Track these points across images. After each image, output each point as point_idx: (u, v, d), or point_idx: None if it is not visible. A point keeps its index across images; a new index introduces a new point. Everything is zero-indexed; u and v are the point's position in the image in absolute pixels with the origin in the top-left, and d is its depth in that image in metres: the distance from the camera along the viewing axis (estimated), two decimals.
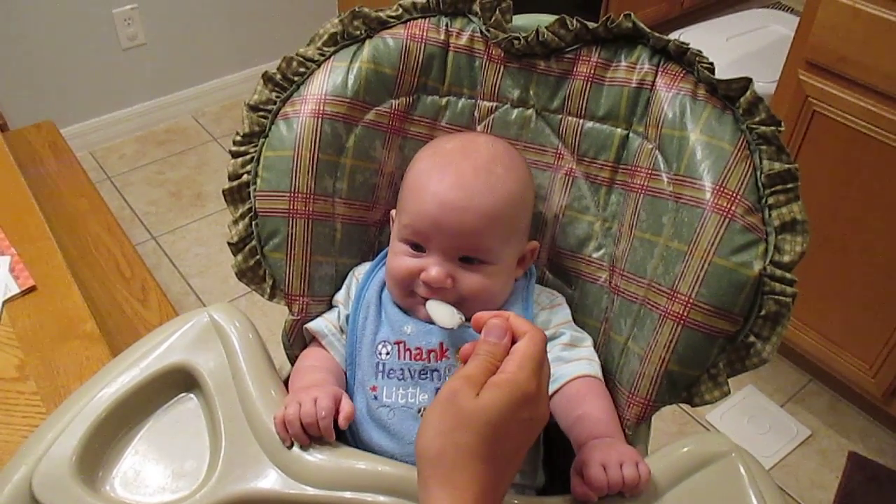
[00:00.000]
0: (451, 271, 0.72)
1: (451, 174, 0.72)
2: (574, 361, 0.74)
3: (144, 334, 0.73)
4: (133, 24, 2.37)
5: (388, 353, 0.73)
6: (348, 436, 0.73)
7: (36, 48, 2.24)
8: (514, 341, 0.58)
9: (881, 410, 1.61)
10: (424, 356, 0.72)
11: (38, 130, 1.72)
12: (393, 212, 0.80)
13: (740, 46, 2.00)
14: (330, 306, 0.81)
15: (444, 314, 0.70)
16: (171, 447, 0.68)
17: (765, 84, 1.70)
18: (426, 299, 0.72)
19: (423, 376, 0.71)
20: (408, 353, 0.73)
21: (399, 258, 0.74)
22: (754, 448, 1.64)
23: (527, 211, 0.78)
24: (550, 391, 0.70)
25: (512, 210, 0.73)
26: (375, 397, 0.72)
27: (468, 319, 0.64)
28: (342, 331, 0.78)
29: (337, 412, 0.66)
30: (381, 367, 0.73)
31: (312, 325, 0.78)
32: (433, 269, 0.71)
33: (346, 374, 0.76)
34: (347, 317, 0.78)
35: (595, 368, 0.74)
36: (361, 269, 0.81)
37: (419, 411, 0.70)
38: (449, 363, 0.71)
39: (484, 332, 0.58)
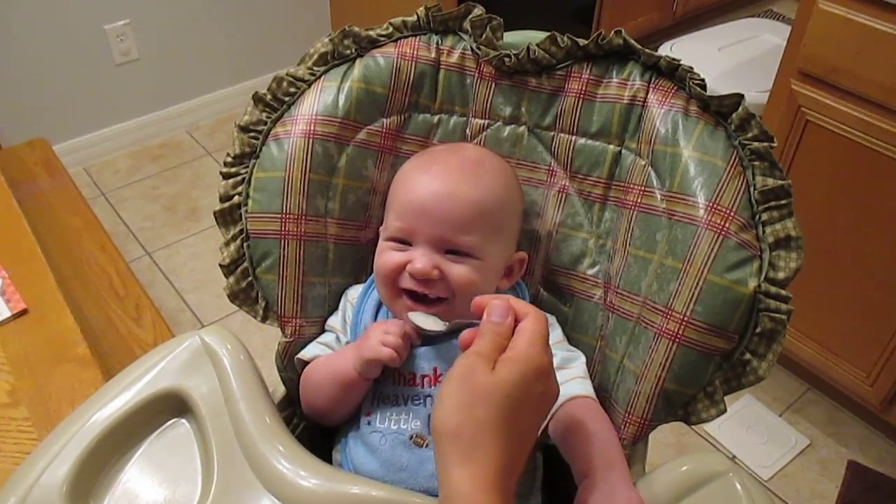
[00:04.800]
0: (438, 263, 0.71)
1: (437, 168, 0.73)
2: (565, 384, 0.71)
3: (139, 353, 0.73)
4: (126, 39, 2.37)
5: (383, 379, 0.72)
6: (339, 458, 0.72)
7: (29, 65, 2.23)
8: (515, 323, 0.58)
9: (880, 419, 1.60)
10: (417, 381, 0.71)
11: (32, 148, 1.70)
12: (381, 228, 0.80)
13: (732, 56, 2.01)
14: (323, 329, 0.80)
15: (427, 320, 0.70)
16: (164, 473, 0.67)
17: (757, 94, 1.70)
18: (409, 311, 0.71)
19: (415, 402, 0.71)
20: (402, 378, 0.72)
21: (386, 254, 0.74)
22: (753, 458, 1.65)
23: (513, 215, 0.77)
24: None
25: (498, 206, 0.73)
26: (369, 422, 0.71)
27: (452, 327, 0.64)
28: None
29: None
30: (376, 393, 0.72)
31: (308, 354, 0.77)
32: (419, 260, 0.71)
33: None
34: (347, 343, 0.77)
35: (587, 387, 0.73)
36: (354, 293, 0.80)
37: (410, 438, 0.69)
38: None
39: (487, 312, 0.58)
